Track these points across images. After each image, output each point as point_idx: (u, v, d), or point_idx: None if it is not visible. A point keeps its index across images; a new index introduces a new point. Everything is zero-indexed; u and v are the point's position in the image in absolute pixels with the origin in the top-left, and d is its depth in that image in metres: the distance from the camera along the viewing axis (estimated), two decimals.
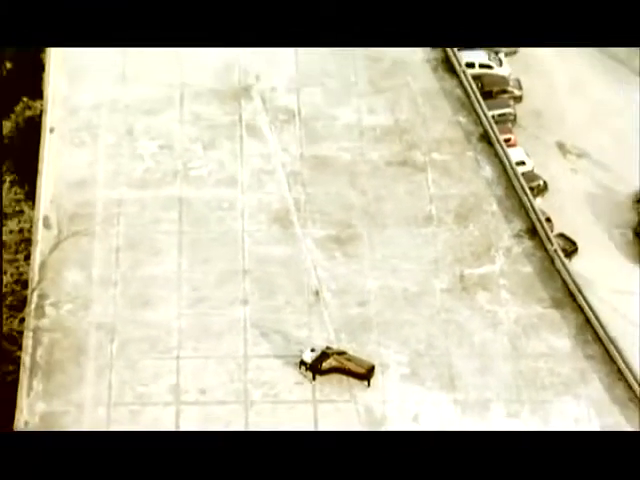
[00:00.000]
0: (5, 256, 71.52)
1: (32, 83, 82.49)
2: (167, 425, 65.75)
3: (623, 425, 66.23)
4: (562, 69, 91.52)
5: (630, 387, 67.62)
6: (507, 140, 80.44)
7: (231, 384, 67.82)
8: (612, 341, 69.08)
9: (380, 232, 75.06)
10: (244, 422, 66.08)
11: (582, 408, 66.98)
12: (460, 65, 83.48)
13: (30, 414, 66.07)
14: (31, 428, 65.09)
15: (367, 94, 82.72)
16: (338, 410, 66.69)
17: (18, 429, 64.44)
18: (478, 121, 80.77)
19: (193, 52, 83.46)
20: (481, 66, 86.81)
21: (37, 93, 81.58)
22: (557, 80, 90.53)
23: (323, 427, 65.51)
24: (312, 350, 68.14)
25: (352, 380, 67.70)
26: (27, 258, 71.63)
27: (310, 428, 65.27)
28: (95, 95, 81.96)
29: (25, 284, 70.76)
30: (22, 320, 69.07)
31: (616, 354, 68.66)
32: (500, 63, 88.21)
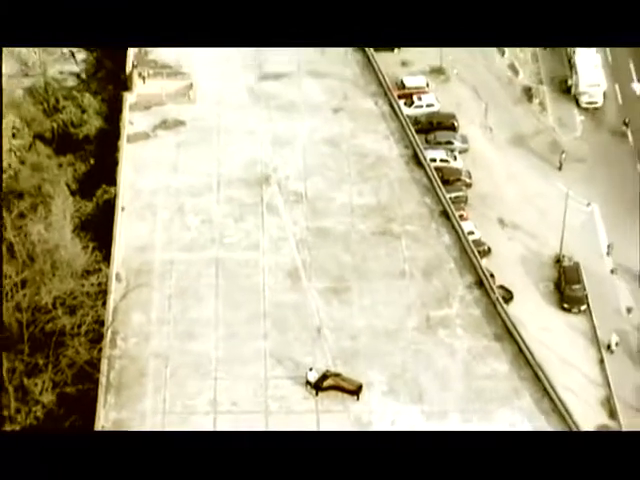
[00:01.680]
0: (87, 302, 70.05)
1: (109, 174, 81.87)
2: (207, 428, 65.89)
3: (547, 428, 66.45)
4: (500, 164, 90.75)
5: (552, 400, 67.90)
6: (461, 216, 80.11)
7: (255, 398, 68.34)
8: (539, 366, 69.44)
9: (366, 284, 75.21)
10: (264, 426, 66.24)
11: (517, 416, 67.50)
12: (425, 160, 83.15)
13: (105, 420, 66.72)
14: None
15: (356, 182, 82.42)
16: (335, 418, 66.98)
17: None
18: (439, 201, 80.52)
19: (227, 149, 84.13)
20: (441, 160, 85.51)
21: (112, 181, 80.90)
22: (497, 172, 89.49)
23: (324, 430, 65.61)
24: (313, 371, 68.34)
25: (345, 395, 68.08)
26: (104, 304, 71.13)
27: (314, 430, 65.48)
28: (154, 182, 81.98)
29: (102, 323, 70.04)
30: (100, 350, 68.86)
31: (542, 376, 69.01)
32: (455, 158, 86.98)
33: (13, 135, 79.61)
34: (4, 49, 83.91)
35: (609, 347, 76.87)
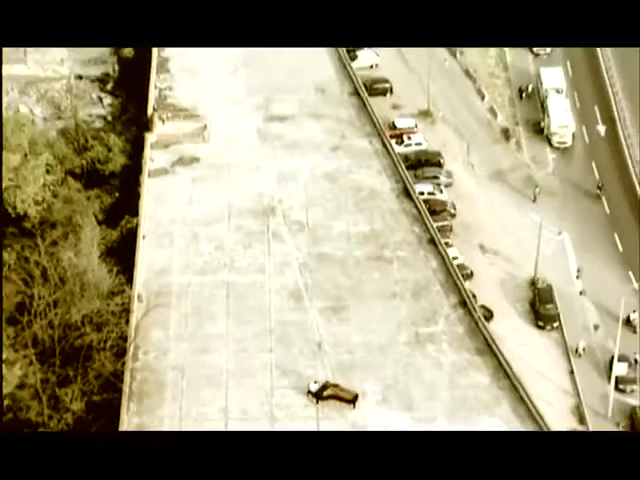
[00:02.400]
0: (112, 320, 70.18)
1: (132, 206, 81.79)
2: None
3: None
4: (481, 196, 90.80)
5: (528, 408, 67.81)
6: (446, 243, 79.95)
7: (261, 406, 68.07)
8: (516, 377, 69.39)
9: (362, 304, 75.09)
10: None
11: (496, 422, 67.19)
12: (414, 193, 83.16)
13: (128, 425, 66.47)
14: None
15: (353, 212, 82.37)
16: (333, 424, 66.60)
17: None
18: (427, 230, 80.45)
19: (237, 183, 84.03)
20: (428, 193, 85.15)
21: (134, 212, 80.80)
22: (478, 203, 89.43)
23: None
24: (315, 383, 68.26)
25: (343, 404, 67.83)
26: (127, 322, 71.15)
27: None
28: (172, 213, 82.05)
29: (125, 339, 70.04)
30: (123, 363, 68.90)
31: (519, 386, 68.88)
32: (441, 191, 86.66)
33: (47, 171, 79.75)
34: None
35: (577, 351, 77.56)
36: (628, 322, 78.61)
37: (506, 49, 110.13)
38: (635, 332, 79.18)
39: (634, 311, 79.87)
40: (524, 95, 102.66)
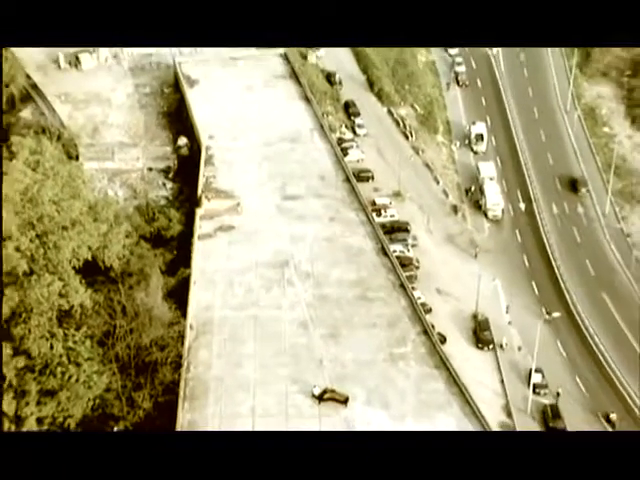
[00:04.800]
0: (172, 343, 69.41)
1: (186, 260, 79.73)
2: (248, 427, 64.54)
3: (468, 425, 65.24)
4: (437, 254, 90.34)
5: (471, 407, 67.29)
6: (413, 287, 79.02)
7: (279, 406, 66.94)
8: (463, 385, 68.97)
9: (352, 332, 74.19)
10: (285, 425, 64.83)
11: (449, 418, 66.47)
12: (390, 251, 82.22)
13: (183, 420, 65.69)
14: (182, 429, 64.21)
15: (345, 264, 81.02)
16: (331, 419, 65.90)
17: (178, 429, 63.77)
18: (398, 278, 79.05)
19: (261, 244, 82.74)
20: (400, 251, 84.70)
21: (188, 265, 79.56)
22: (435, 259, 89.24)
23: (324, 428, 64.71)
24: (317, 388, 67.97)
25: (338, 404, 67.14)
26: (182, 345, 70.56)
27: (317, 429, 64.27)
28: (214, 265, 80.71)
29: (181, 357, 69.31)
30: (179, 374, 68.41)
31: (465, 391, 68.51)
32: (408, 250, 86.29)
33: (126, 236, 79.79)
34: None
35: (501, 346, 78.03)
36: None
37: (454, 148, 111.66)
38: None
39: None
40: (469, 193, 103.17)
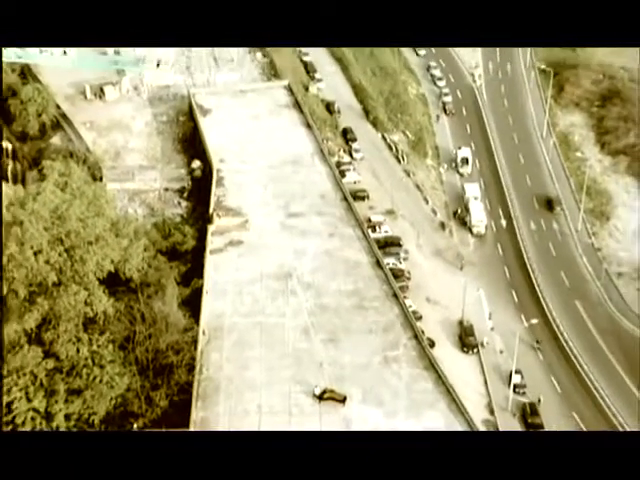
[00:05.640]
0: (186, 347, 68.58)
1: (199, 272, 78.37)
2: (255, 423, 64.07)
3: (455, 422, 64.74)
4: (427, 266, 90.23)
5: (457, 405, 67.03)
6: (405, 297, 78.14)
7: (283, 404, 66.55)
8: (450, 385, 68.65)
9: (349, 337, 73.78)
10: (289, 422, 64.47)
11: (438, 415, 66.11)
12: (384, 264, 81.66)
13: (196, 417, 65.13)
14: (196, 428, 63.31)
15: (343, 276, 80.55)
16: (330, 417, 65.60)
17: (191, 429, 63.10)
18: (391, 288, 78.33)
19: (267, 257, 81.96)
20: (392, 264, 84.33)
21: (200, 276, 78.57)
22: (425, 271, 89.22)
23: (325, 426, 64.05)
24: (318, 388, 67.77)
25: (336, 403, 66.82)
26: (195, 349, 70.08)
27: (318, 427, 63.72)
28: (224, 277, 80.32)
29: (194, 360, 68.68)
30: (193, 376, 68.06)
31: (452, 391, 68.23)
32: (401, 263, 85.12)
33: (145, 250, 79.28)
34: None
35: (482, 344, 77.87)
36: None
37: (442, 171, 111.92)
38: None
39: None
40: (456, 214, 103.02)
